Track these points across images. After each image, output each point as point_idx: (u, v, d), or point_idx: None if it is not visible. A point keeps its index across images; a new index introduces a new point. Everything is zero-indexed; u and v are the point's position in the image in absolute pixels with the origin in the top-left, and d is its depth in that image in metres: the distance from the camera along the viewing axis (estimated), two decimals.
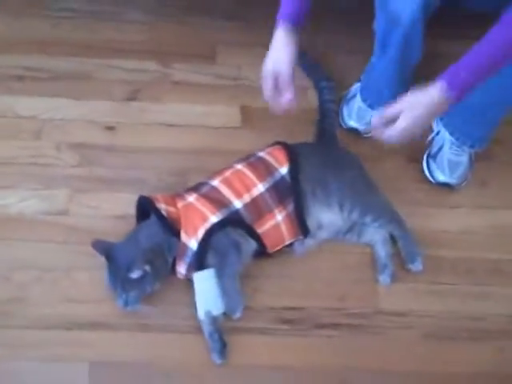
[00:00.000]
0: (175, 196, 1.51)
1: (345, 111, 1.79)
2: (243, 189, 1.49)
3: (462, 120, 1.63)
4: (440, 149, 1.70)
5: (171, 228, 1.45)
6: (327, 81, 1.79)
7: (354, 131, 1.77)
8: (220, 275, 1.46)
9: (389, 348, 1.49)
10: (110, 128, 1.75)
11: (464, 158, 1.69)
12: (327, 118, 1.74)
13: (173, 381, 1.43)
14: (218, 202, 1.47)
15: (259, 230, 1.49)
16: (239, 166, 1.53)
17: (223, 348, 1.43)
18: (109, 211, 1.62)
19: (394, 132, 1.31)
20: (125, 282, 1.41)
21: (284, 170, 1.53)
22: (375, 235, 1.59)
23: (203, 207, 1.45)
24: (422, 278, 1.59)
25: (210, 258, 1.47)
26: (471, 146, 1.67)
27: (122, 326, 1.47)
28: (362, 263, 1.60)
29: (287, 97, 1.41)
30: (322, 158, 1.61)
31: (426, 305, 1.56)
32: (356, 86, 1.78)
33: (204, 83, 1.86)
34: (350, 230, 1.59)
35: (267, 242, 1.51)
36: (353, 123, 1.76)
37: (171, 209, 1.47)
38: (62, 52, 1.86)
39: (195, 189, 1.52)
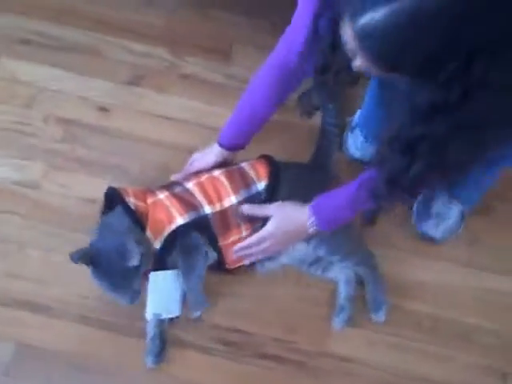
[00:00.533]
0: (146, 191, 1.46)
1: (349, 139, 1.70)
2: (215, 196, 1.43)
3: None
4: (431, 199, 1.60)
5: (138, 222, 1.39)
6: (333, 102, 1.70)
7: (357, 160, 1.68)
8: (187, 274, 1.41)
9: None
10: (104, 109, 1.71)
11: (454, 213, 1.59)
12: (325, 141, 1.65)
13: (92, 378, 1.39)
14: (188, 204, 1.41)
15: (222, 243, 1.43)
16: (217, 173, 1.46)
17: (160, 353, 1.40)
18: (79, 193, 1.59)
19: (259, 236, 1.39)
20: (125, 276, 1.33)
21: (261, 185, 1.46)
22: (340, 274, 1.51)
23: (172, 207, 1.40)
24: (382, 327, 1.50)
25: (171, 259, 1.41)
26: (455, 201, 1.57)
27: (63, 314, 1.45)
28: (322, 299, 1.52)
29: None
30: (306, 181, 1.52)
31: (376, 356, 1.47)
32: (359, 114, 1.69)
33: (213, 81, 1.80)
34: (315, 262, 1.51)
35: (228, 256, 1.44)
36: (356, 153, 1.67)
37: (140, 203, 1.41)
38: (76, 23, 1.83)
39: (168, 187, 1.46)
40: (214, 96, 1.77)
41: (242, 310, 1.49)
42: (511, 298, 1.57)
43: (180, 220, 1.38)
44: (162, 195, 1.42)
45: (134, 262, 1.30)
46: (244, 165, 1.49)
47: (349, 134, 1.70)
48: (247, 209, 1.40)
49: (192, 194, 1.42)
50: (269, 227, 1.39)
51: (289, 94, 1.42)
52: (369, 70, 0.96)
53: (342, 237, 1.48)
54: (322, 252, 1.46)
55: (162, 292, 1.42)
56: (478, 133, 0.95)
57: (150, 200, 1.42)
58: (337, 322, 1.48)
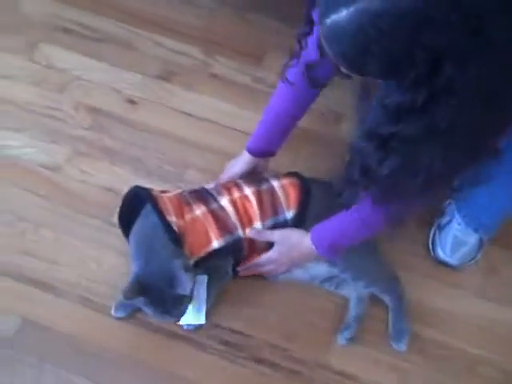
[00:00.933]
0: (181, 202, 1.41)
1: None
2: (247, 220, 1.42)
3: (471, 200, 1.50)
4: (449, 222, 1.57)
5: (178, 241, 1.35)
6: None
7: None
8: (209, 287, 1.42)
9: None
10: (132, 102, 1.75)
11: (472, 239, 1.56)
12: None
13: (89, 360, 1.42)
14: (224, 226, 1.40)
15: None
16: (248, 192, 1.45)
17: None
18: (99, 181, 1.62)
19: (264, 259, 1.44)
20: (176, 301, 1.32)
21: (290, 214, 1.45)
22: (353, 291, 1.49)
23: (209, 227, 1.39)
24: (387, 348, 1.47)
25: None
26: (475, 230, 1.53)
27: (68, 295, 1.48)
28: (328, 310, 1.51)
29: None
30: (333, 203, 1.43)
31: (377, 377, 1.45)
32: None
33: (242, 83, 1.82)
34: (329, 279, 1.51)
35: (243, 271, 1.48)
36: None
37: (180, 222, 1.37)
38: (116, 16, 1.88)
39: (202, 198, 1.43)
40: (241, 98, 1.78)
41: (245, 312, 1.49)
42: None
43: (216, 244, 1.39)
44: (199, 211, 1.41)
45: (186, 291, 1.29)
46: (275, 185, 1.47)
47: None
48: (254, 233, 1.42)
49: (227, 214, 1.41)
50: (272, 253, 1.43)
51: (315, 97, 1.43)
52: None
53: (368, 262, 1.48)
54: (347, 276, 1.46)
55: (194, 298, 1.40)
56: (448, 139, 0.95)
57: (187, 216, 1.40)
58: (340, 339, 1.46)
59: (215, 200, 1.43)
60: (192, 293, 1.33)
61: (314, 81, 1.30)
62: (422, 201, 1.17)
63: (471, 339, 1.51)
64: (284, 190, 1.46)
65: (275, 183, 1.47)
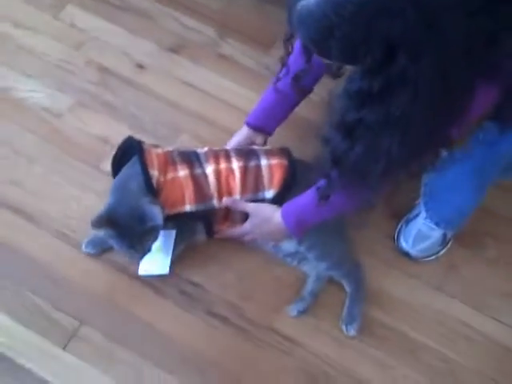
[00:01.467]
0: (168, 160, 1.48)
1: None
2: (226, 191, 1.48)
3: (436, 194, 1.55)
4: (416, 216, 1.63)
5: (153, 192, 1.43)
6: None
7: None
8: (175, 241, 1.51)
9: (258, 362, 1.47)
10: (141, 66, 1.87)
11: (435, 234, 1.60)
12: None
13: (53, 286, 1.52)
14: (202, 193, 1.46)
15: (217, 228, 1.54)
16: (235, 165, 1.49)
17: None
18: (95, 130, 1.74)
19: (238, 230, 1.52)
20: (142, 237, 1.40)
21: (270, 194, 1.50)
22: (312, 270, 1.56)
23: (187, 190, 1.45)
24: (334, 321, 1.53)
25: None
26: (437, 224, 1.58)
27: (47, 227, 1.59)
28: (286, 280, 1.58)
29: None
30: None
31: (318, 344, 1.51)
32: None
33: (247, 66, 1.92)
34: (292, 255, 1.57)
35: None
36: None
37: (161, 178, 1.45)
38: None
39: (189, 161, 1.49)
40: (244, 79, 1.88)
41: (208, 269, 1.57)
42: (472, 331, 1.56)
43: (188, 207, 1.46)
44: (182, 173, 1.46)
45: (156, 221, 1.37)
46: (263, 163, 1.51)
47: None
48: (230, 201, 1.47)
49: (207, 182, 1.47)
50: (247, 225, 1.50)
51: (314, 82, 1.51)
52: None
53: (334, 246, 1.54)
54: (311, 256, 1.52)
55: (158, 249, 1.50)
56: (404, 126, 1.01)
57: (170, 174, 1.46)
58: (292, 309, 1.52)
59: (201, 166, 1.49)
60: (159, 228, 1.40)
61: (303, 89, 1.43)
62: (382, 185, 1.23)
63: (420, 328, 1.55)
64: (270, 170, 1.50)
65: (263, 162, 1.51)
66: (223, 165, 1.49)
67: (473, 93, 1.02)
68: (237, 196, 1.49)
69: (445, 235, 1.61)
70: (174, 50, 1.91)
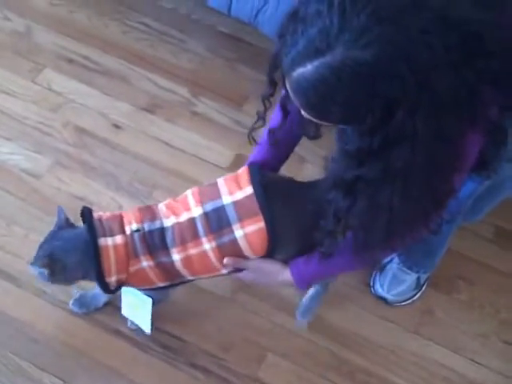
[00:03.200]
0: (128, 253, 1.34)
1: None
2: (202, 271, 1.40)
3: None
4: (390, 261, 1.68)
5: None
6: None
7: None
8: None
9: None
10: (117, 127, 1.92)
11: (409, 278, 1.65)
12: None
13: (35, 346, 1.53)
14: (172, 275, 1.39)
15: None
16: (207, 247, 1.34)
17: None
18: (73, 190, 1.78)
19: (241, 277, 1.43)
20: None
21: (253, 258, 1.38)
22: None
23: (154, 276, 1.38)
24: (315, 367, 1.57)
25: None
26: (409, 268, 1.64)
27: (27, 287, 1.61)
28: (264, 328, 1.61)
29: None
30: (299, 199, 1.41)
31: None
32: None
33: (220, 123, 1.98)
34: None
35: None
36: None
37: (122, 276, 1.36)
38: (117, 54, 2.08)
39: (153, 249, 1.35)
40: (217, 135, 1.94)
41: (185, 320, 1.60)
42: (451, 372, 1.59)
43: (160, 284, 1.40)
44: (146, 264, 1.35)
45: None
46: (238, 235, 1.34)
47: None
48: (229, 261, 1.36)
49: (176, 268, 1.37)
50: (246, 279, 1.43)
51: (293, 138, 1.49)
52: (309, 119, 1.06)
53: None
54: None
55: (134, 305, 1.49)
56: (404, 178, 1.02)
57: (132, 268, 1.36)
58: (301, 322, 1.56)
59: (167, 253, 1.35)
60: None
61: (277, 142, 1.41)
62: (393, 243, 1.22)
63: (399, 371, 1.59)
64: (247, 240, 1.34)
65: (238, 233, 1.32)
66: (193, 250, 1.34)
67: (464, 140, 1.04)
68: (218, 271, 1.40)
69: (419, 279, 1.66)
70: (149, 109, 1.97)
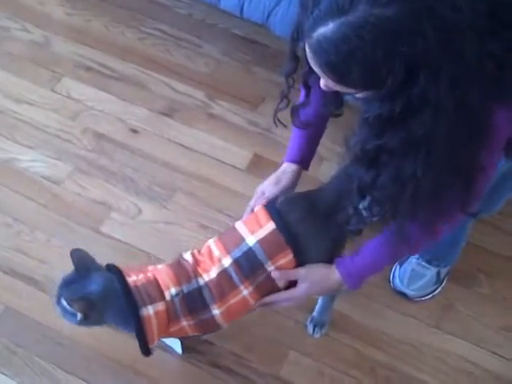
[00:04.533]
0: (170, 317, 1.31)
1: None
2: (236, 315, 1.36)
3: None
4: (409, 256, 1.67)
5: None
6: None
7: None
8: None
9: None
10: (135, 131, 1.95)
11: (429, 273, 1.65)
12: None
13: (58, 349, 1.56)
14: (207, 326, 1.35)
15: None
16: (245, 293, 1.31)
17: None
18: (93, 195, 1.81)
19: (290, 296, 1.34)
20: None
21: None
22: None
23: (190, 331, 1.35)
24: (337, 364, 1.57)
25: None
26: (428, 262, 1.63)
27: (50, 291, 1.61)
28: (287, 327, 1.62)
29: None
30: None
31: None
32: None
33: (236, 124, 2.00)
34: None
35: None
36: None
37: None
38: (134, 60, 2.12)
39: (194, 309, 1.31)
40: (233, 136, 1.97)
41: None
42: (474, 366, 1.58)
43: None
44: (186, 323, 1.32)
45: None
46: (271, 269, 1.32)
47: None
48: (276, 275, 1.31)
49: (217, 321, 1.33)
50: (300, 292, 1.34)
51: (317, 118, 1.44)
52: (329, 86, 1.04)
53: None
54: None
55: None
56: (427, 148, 0.99)
57: (173, 328, 1.33)
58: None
59: (207, 310, 1.32)
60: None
61: (302, 121, 1.35)
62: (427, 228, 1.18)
63: (421, 366, 1.58)
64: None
65: (271, 269, 1.30)
66: (232, 300, 1.31)
67: (490, 115, 1.01)
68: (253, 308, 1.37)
69: (439, 273, 1.65)
70: (166, 113, 2.00)
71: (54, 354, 1.55)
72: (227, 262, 1.29)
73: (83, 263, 1.29)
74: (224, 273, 1.29)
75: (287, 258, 1.30)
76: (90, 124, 1.95)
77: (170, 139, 1.95)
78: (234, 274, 1.29)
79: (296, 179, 1.45)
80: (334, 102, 1.28)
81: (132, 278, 1.29)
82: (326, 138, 1.87)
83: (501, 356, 1.60)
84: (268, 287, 1.32)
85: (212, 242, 1.34)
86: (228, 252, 1.30)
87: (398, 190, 1.06)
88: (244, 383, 1.53)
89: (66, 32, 2.19)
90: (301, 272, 1.32)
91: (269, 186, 1.43)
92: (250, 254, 1.29)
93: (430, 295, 1.67)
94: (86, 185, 1.83)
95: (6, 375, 1.52)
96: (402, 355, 1.60)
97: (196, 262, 1.33)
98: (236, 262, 1.29)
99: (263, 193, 1.43)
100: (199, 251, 1.35)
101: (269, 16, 1.84)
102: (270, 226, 1.30)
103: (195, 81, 2.09)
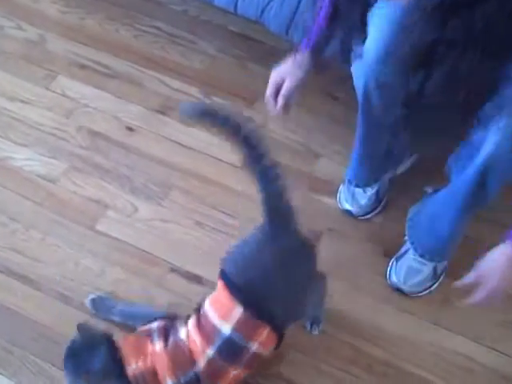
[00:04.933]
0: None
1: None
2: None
3: (417, 225, 1.60)
4: (405, 252, 1.67)
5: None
6: None
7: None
8: None
9: None
10: (130, 129, 1.94)
11: (426, 269, 1.64)
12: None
13: (54, 347, 1.54)
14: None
15: None
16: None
17: None
18: (89, 193, 1.80)
19: (477, 299, 1.33)
20: None
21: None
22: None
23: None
24: (334, 361, 1.56)
25: None
26: (422, 256, 1.62)
27: (46, 290, 1.63)
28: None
29: (277, 107, 1.50)
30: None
31: None
32: None
33: None
34: None
35: None
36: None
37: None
38: (128, 58, 2.11)
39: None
40: None
41: None
42: (472, 362, 1.58)
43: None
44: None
45: None
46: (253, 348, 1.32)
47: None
48: (459, 284, 1.34)
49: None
50: (494, 287, 1.30)
51: None
52: None
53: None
54: None
55: None
56: (486, 41, 0.95)
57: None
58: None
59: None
60: None
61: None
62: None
63: (419, 362, 1.57)
64: (262, 345, 1.34)
65: (254, 346, 1.32)
66: (224, 382, 1.36)
67: None
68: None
69: (435, 269, 1.64)
70: (162, 111, 1.99)
71: (50, 352, 1.54)
72: (210, 352, 1.31)
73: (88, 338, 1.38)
74: (211, 361, 1.31)
75: (266, 330, 1.31)
76: (85, 122, 1.94)
77: (166, 137, 1.93)
78: (220, 362, 1.31)
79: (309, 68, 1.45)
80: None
81: (131, 367, 1.32)
82: (323, 135, 1.89)
83: (498, 351, 1.59)
84: (257, 359, 1.35)
85: (193, 333, 1.33)
86: (208, 343, 1.31)
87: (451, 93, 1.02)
88: (244, 383, 1.52)
89: (61, 30, 2.17)
90: (480, 267, 1.31)
91: (292, 68, 1.44)
92: (229, 341, 1.30)
93: (427, 291, 1.66)
94: (82, 183, 1.82)
95: (3, 375, 1.51)
96: (400, 351, 1.58)
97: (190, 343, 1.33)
98: (219, 352, 1.30)
99: (283, 80, 1.46)
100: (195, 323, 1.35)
101: (263, 12, 1.83)
102: (238, 310, 1.29)
103: (190, 78, 2.08)
